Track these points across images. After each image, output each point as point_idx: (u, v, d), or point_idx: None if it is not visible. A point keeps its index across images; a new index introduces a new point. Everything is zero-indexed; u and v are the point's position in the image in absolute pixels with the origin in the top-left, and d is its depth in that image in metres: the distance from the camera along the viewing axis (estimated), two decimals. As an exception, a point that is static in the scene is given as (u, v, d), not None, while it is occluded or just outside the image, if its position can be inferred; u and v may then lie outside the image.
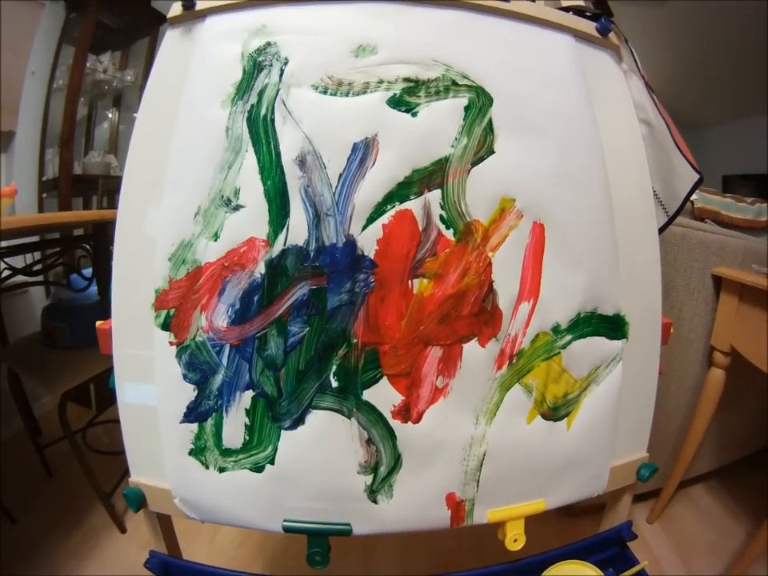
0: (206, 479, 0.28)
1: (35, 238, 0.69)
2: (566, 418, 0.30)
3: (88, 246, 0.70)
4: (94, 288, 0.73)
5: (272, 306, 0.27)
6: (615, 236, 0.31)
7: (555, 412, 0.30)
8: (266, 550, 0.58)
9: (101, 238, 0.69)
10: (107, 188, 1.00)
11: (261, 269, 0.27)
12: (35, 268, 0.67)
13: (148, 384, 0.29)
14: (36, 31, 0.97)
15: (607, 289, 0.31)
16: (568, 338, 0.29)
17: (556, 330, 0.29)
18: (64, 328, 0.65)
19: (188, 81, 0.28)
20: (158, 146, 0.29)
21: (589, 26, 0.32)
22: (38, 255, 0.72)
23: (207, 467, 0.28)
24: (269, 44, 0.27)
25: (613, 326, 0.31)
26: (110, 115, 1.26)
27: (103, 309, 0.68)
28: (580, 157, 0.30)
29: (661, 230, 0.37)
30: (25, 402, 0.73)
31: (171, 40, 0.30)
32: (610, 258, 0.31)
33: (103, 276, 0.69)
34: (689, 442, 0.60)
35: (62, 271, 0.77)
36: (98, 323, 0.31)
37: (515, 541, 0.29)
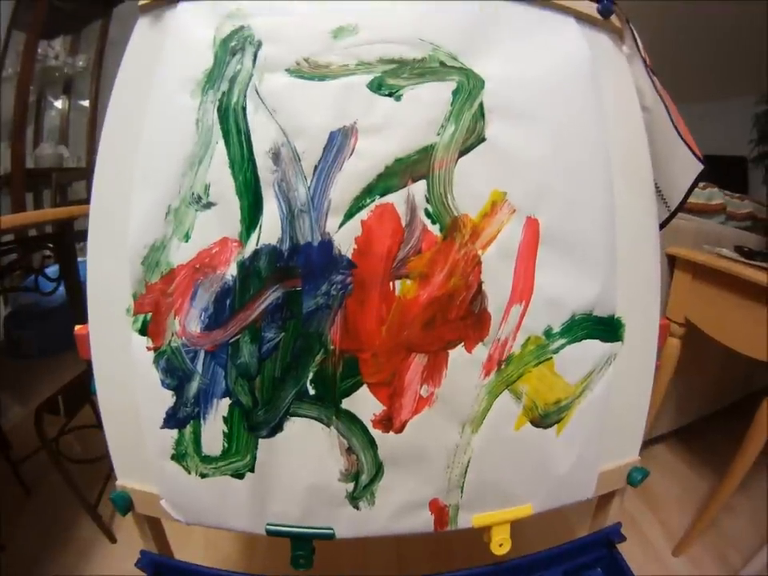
0: (189, 483, 0.26)
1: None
2: (556, 425, 0.27)
3: (52, 245, 0.58)
4: (60, 289, 0.61)
5: (244, 311, 0.23)
6: (615, 232, 0.27)
7: (546, 419, 0.26)
8: (259, 548, 0.54)
9: (67, 236, 0.57)
10: (60, 181, 0.91)
11: (233, 270, 0.23)
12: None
13: (129, 389, 0.26)
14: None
15: (604, 289, 0.27)
16: (561, 341, 0.26)
17: (548, 333, 0.25)
18: (31, 336, 0.57)
19: (157, 71, 0.25)
20: (129, 141, 0.25)
21: (590, 7, 0.27)
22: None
23: (189, 472, 0.26)
24: (242, 27, 0.23)
25: (608, 329, 0.27)
26: (58, 104, 1.14)
27: (73, 311, 0.55)
28: (580, 146, 0.26)
29: (661, 226, 0.32)
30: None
31: (141, 30, 0.26)
32: (608, 256, 0.27)
33: (71, 276, 0.58)
34: (649, 405, 0.61)
35: (19, 274, 0.66)
36: (77, 328, 0.28)
37: (501, 545, 0.27)
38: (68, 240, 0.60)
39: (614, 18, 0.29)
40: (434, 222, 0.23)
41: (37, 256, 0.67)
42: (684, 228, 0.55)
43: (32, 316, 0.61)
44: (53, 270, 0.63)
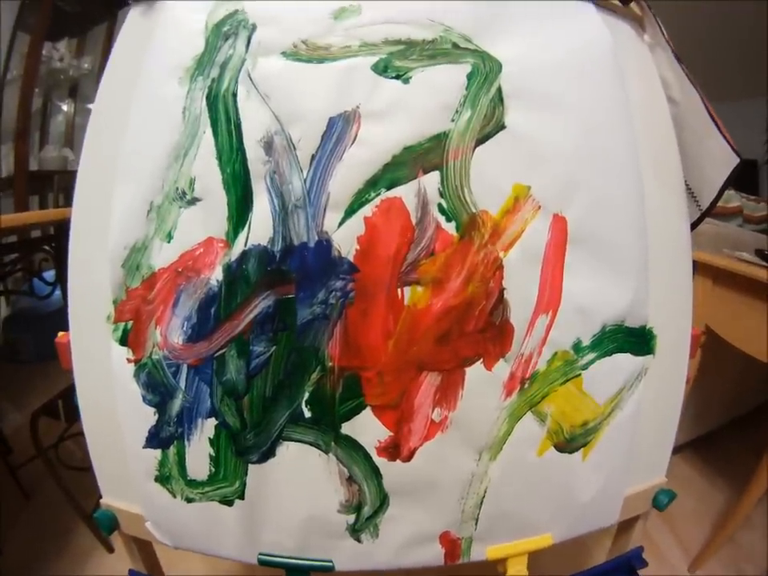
0: (175, 506, 0.23)
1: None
2: (582, 449, 0.23)
3: (49, 248, 0.58)
4: (57, 293, 0.60)
5: (230, 321, 0.20)
6: (646, 231, 0.23)
7: (572, 443, 0.23)
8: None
9: (64, 238, 0.60)
10: (63, 184, 0.89)
11: (218, 275, 0.20)
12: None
13: (110, 404, 0.23)
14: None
15: (636, 296, 0.23)
16: (591, 356, 0.22)
17: (577, 347, 0.22)
18: (27, 340, 0.56)
19: (146, 61, 0.22)
20: (115, 135, 0.22)
21: (611, -9, 0.24)
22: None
23: (174, 496, 0.23)
24: (236, 11, 0.21)
25: (639, 341, 0.24)
26: (64, 107, 1.12)
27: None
28: (608, 135, 0.22)
29: (693, 226, 0.28)
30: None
31: (132, 20, 0.23)
32: (641, 258, 0.23)
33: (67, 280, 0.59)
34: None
35: (20, 277, 0.66)
36: (58, 336, 0.25)
37: (518, 578, 0.23)
38: (64, 243, 0.58)
39: (634, 6, 0.25)
40: (448, 220, 0.20)
41: (34, 259, 0.65)
42: (703, 231, 0.53)
43: (30, 319, 0.59)
44: (51, 274, 0.61)
